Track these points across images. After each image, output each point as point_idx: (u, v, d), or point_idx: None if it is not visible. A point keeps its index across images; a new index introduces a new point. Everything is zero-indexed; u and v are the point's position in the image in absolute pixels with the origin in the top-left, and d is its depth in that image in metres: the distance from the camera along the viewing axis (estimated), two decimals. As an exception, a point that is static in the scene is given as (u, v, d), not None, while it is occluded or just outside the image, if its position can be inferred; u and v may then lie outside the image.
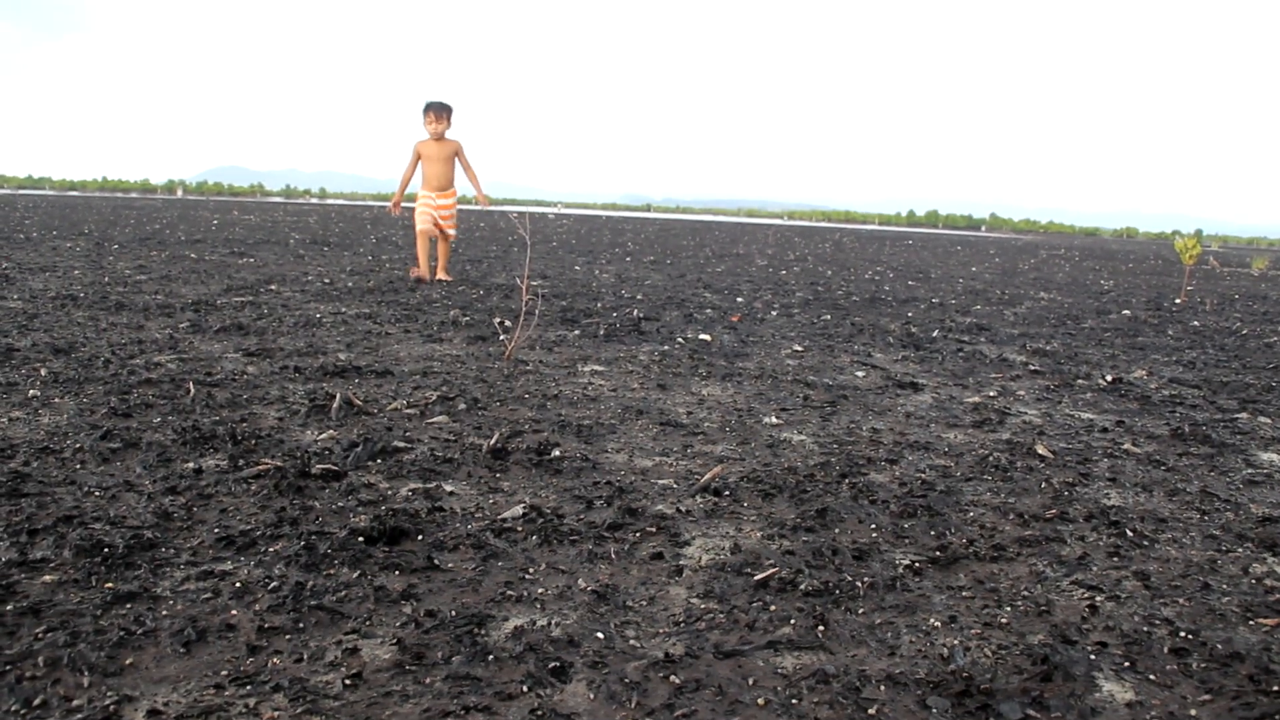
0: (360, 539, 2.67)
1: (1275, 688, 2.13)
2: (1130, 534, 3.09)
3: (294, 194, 49.78)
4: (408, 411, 4.16)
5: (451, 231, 10.31)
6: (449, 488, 3.19)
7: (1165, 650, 2.29)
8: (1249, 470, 3.97)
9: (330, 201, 44.17)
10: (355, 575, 2.45)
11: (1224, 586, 2.70)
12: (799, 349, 6.56)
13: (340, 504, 2.96)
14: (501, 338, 6.17)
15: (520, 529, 2.83)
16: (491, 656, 2.07)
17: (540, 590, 2.43)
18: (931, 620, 2.38)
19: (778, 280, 12.45)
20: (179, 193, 42.34)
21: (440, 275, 10.18)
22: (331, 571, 2.46)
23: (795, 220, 50.33)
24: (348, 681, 1.94)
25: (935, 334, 7.75)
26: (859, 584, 2.56)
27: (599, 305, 8.45)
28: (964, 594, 2.56)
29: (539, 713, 1.86)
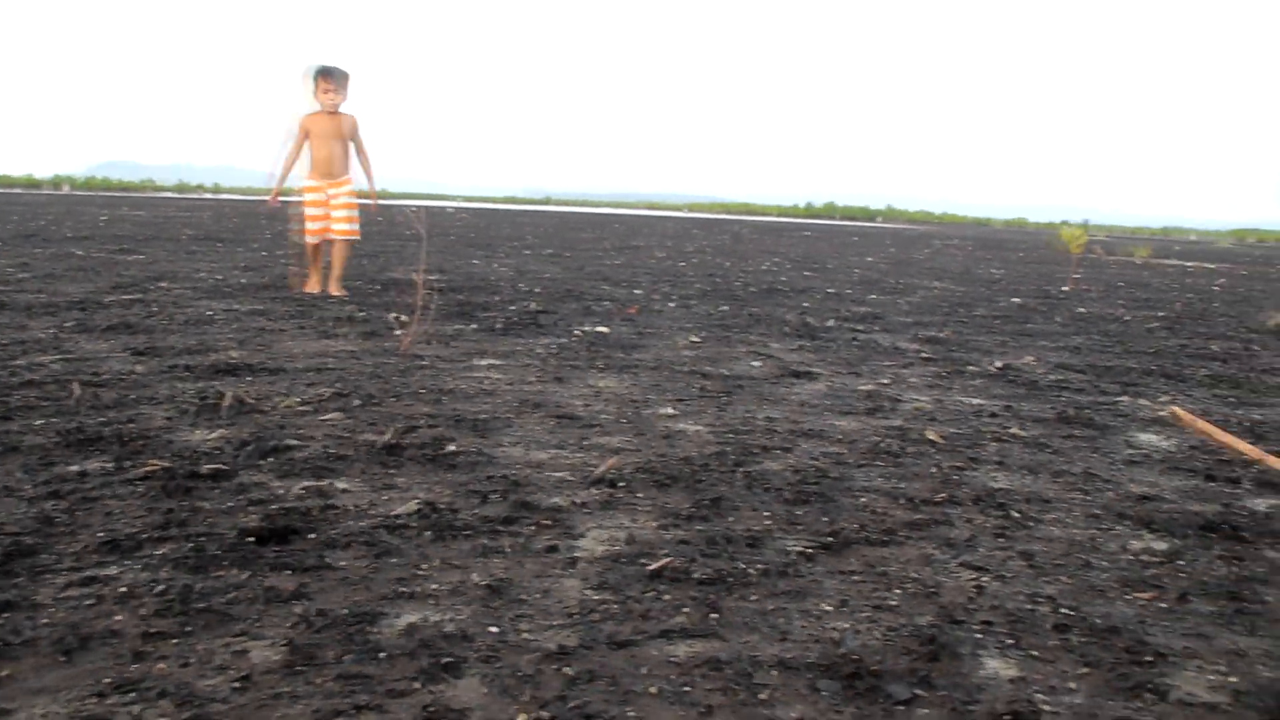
0: (250, 539, 2.64)
1: (1149, 658, 2.20)
2: (1016, 515, 3.17)
3: (187, 189, 48.75)
4: (300, 409, 4.11)
5: (348, 228, 8.23)
6: (341, 485, 3.17)
7: (1047, 627, 2.36)
8: (1129, 451, 4.09)
9: (225, 197, 43.37)
10: (245, 576, 2.41)
11: (1103, 563, 2.79)
12: (695, 340, 6.60)
13: (230, 504, 2.91)
14: (396, 333, 6.12)
15: (413, 525, 2.82)
16: (383, 654, 2.06)
17: (433, 586, 2.42)
18: (822, 605, 2.42)
19: (676, 272, 12.51)
20: (65, 188, 41.24)
21: (332, 289, 8.25)
22: (220, 573, 2.43)
23: (695, 213, 50.58)
24: (236, 685, 1.92)
25: (830, 323, 7.85)
26: (751, 571, 2.59)
27: (496, 299, 8.42)
28: (854, 578, 2.60)
29: (431, 709, 1.86)
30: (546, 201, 56.23)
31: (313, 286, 8.28)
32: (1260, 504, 3.42)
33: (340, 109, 8.21)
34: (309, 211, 8.23)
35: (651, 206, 57.91)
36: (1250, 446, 3.79)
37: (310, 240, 8.25)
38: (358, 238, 8.62)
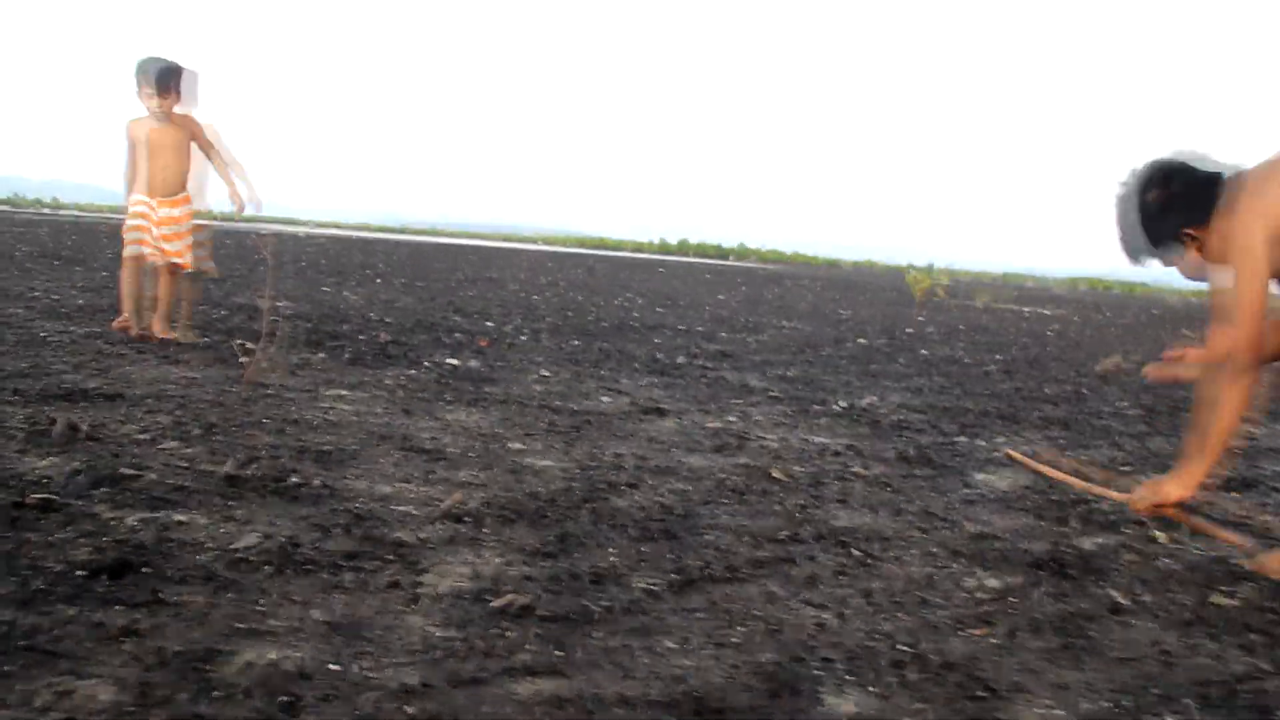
0: (80, 572, 2.54)
1: (981, 693, 2.27)
2: (857, 553, 3.24)
3: (22, 204, 46.81)
4: (138, 437, 3.98)
5: (176, 249, 6.71)
6: (179, 517, 3.07)
7: (885, 663, 2.42)
8: (965, 490, 4.22)
9: (64, 213, 41.81)
10: (73, 612, 2.32)
11: (939, 600, 2.87)
12: (546, 374, 6.60)
13: (59, 536, 2.80)
14: (241, 360, 5.98)
15: (254, 559, 2.75)
16: (219, 693, 2.01)
17: (273, 622, 2.37)
18: (666, 642, 2.44)
19: (529, 305, 12.50)
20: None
21: (155, 328, 6.76)
22: (47, 609, 2.33)
23: (550, 245, 50.61)
24: (60, 725, 1.84)
25: (681, 360, 7.93)
26: (597, 609, 2.59)
27: (346, 328, 8.29)
28: (699, 616, 2.63)
29: (267, 749, 1.82)
30: (402, 230, 55.62)
31: (126, 324, 6.81)
32: (1087, 543, 3.56)
33: (181, 113, 6.83)
34: (131, 227, 6.77)
35: (506, 238, 57.76)
36: (1079, 480, 3.96)
37: (131, 250, 6.76)
38: (189, 269, 6.93)
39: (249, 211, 7.32)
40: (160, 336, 6.71)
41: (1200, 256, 3.27)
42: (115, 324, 6.91)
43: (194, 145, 6.91)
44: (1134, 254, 3.36)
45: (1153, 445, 5.57)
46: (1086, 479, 3.98)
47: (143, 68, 6.66)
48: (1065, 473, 4.00)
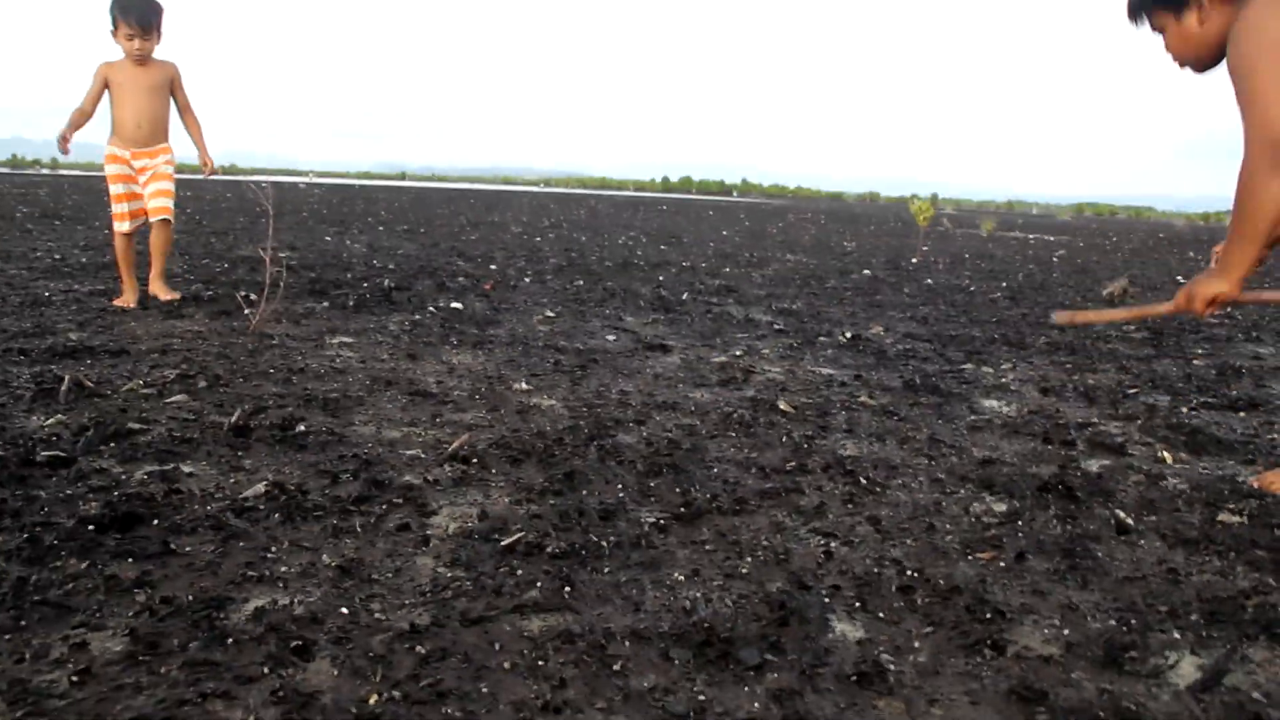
0: (90, 527, 2.55)
1: (989, 616, 2.29)
2: (864, 481, 3.25)
3: (22, 164, 46.66)
4: (144, 392, 3.99)
5: (164, 205, 6.36)
6: (187, 469, 3.08)
7: (893, 589, 2.43)
8: (973, 417, 4.22)
9: (64, 173, 41.67)
10: (84, 566, 2.34)
11: (947, 526, 2.88)
12: (551, 315, 6.60)
13: (69, 492, 2.81)
14: (245, 312, 5.98)
15: (262, 507, 2.76)
16: (231, 640, 2.02)
17: (283, 569, 2.38)
18: (675, 575, 2.45)
19: (532, 247, 12.47)
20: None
21: (154, 289, 6.52)
22: (58, 564, 2.35)
23: (551, 187, 50.37)
24: (75, 678, 1.86)
25: (685, 297, 7.92)
26: (605, 544, 2.60)
27: (349, 276, 8.28)
28: (707, 548, 2.64)
29: (280, 693, 1.83)
30: (402, 176, 55.37)
31: (128, 299, 6.32)
32: (1094, 464, 3.56)
33: (154, 56, 6.29)
34: (113, 191, 6.37)
35: (508, 181, 57.53)
36: (1124, 314, 3.64)
37: (120, 229, 6.37)
38: (171, 215, 6.49)
39: (203, 176, 6.97)
40: (164, 298, 6.43)
41: (1198, 29, 2.99)
42: (117, 301, 6.32)
43: (171, 95, 6.41)
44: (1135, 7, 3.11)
45: (1159, 368, 5.56)
46: (1130, 310, 3.74)
47: (120, 4, 6.08)
48: (1111, 315, 3.74)
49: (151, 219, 6.39)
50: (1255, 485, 3.32)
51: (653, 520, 2.80)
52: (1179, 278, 11.41)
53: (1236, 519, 3.00)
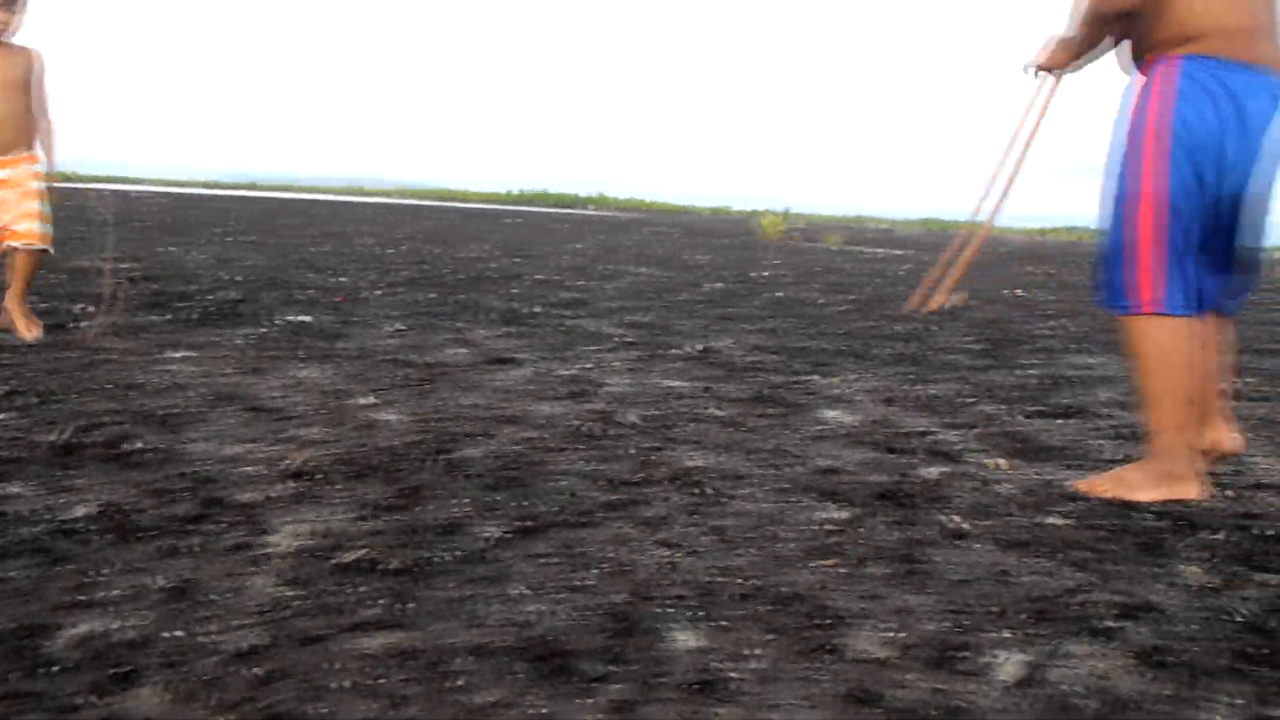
0: (-98, 552, 2.43)
1: (828, 621, 2.33)
2: (709, 492, 3.28)
3: None
4: (-34, 410, 3.82)
5: (34, 229, 5.40)
6: (13, 489, 2.96)
7: (735, 597, 2.45)
8: (816, 427, 4.30)
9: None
10: (-105, 593, 2.23)
11: (789, 535, 2.92)
12: (400, 328, 6.52)
13: (-121, 515, 2.68)
14: (81, 325, 5.77)
15: (91, 528, 2.67)
16: (55, 667, 1.95)
17: (112, 592, 2.31)
18: (517, 589, 2.44)
19: (383, 259, 12.31)
20: None
21: (20, 328, 5.40)
22: None
23: (404, 199, 49.81)
24: (-121, 710, 1.77)
25: (536, 309, 7.91)
26: (447, 559, 2.58)
27: (193, 288, 8.07)
28: (550, 561, 2.64)
29: (104, 721, 1.77)
30: (252, 186, 54.09)
31: None
32: (932, 472, 3.66)
33: (13, 40, 5.36)
34: None
35: (362, 192, 56.65)
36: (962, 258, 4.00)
37: None
38: (49, 247, 5.58)
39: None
40: (26, 336, 5.37)
41: None
42: None
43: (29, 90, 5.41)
44: None
45: (994, 378, 5.74)
46: (972, 247, 4.02)
47: None
48: (958, 271, 4.03)
49: (15, 244, 5.42)
50: (1078, 489, 3.45)
51: (496, 535, 2.79)
52: (1018, 291, 11.78)
53: (1062, 521, 3.12)
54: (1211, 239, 3.29)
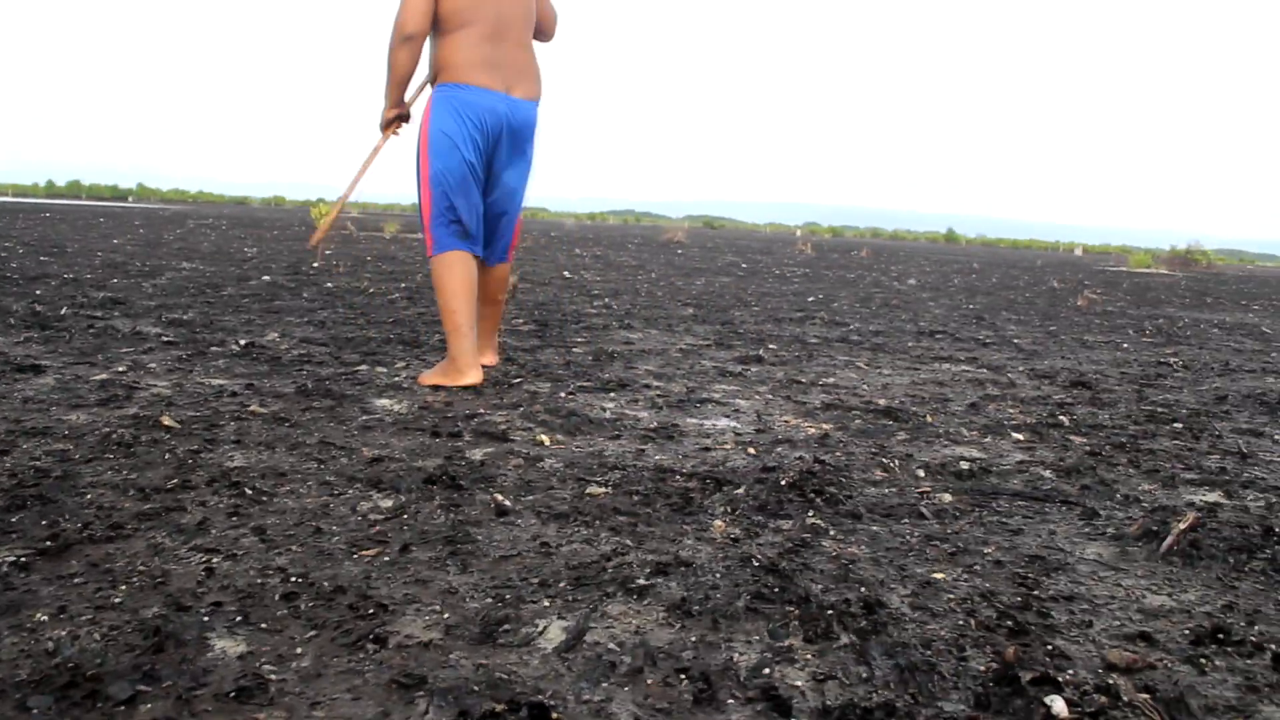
0: None
1: (372, 611, 2.33)
2: (250, 492, 3.19)
3: None
4: None
5: None
6: None
7: (277, 598, 2.40)
8: (365, 417, 4.28)
9: None
10: None
11: (334, 528, 2.90)
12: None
13: None
14: None
15: None
16: None
17: None
18: (38, 615, 2.28)
19: (-118, 265, 11.02)
20: None
21: None
22: None
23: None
24: None
25: (65, 312, 7.34)
26: (-46, 590, 2.37)
27: None
28: (76, 581, 2.47)
29: None
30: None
31: None
32: (478, 453, 3.74)
33: None
34: None
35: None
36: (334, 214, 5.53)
37: None
38: None
39: None
40: None
41: None
42: None
43: None
44: None
45: (543, 357, 5.92)
46: (356, 174, 5.21)
47: None
48: (342, 199, 5.48)
49: None
50: (420, 382, 5.01)
51: (14, 559, 2.58)
52: (566, 273, 12.19)
53: (602, 490, 3.28)
54: (479, 202, 4.94)
